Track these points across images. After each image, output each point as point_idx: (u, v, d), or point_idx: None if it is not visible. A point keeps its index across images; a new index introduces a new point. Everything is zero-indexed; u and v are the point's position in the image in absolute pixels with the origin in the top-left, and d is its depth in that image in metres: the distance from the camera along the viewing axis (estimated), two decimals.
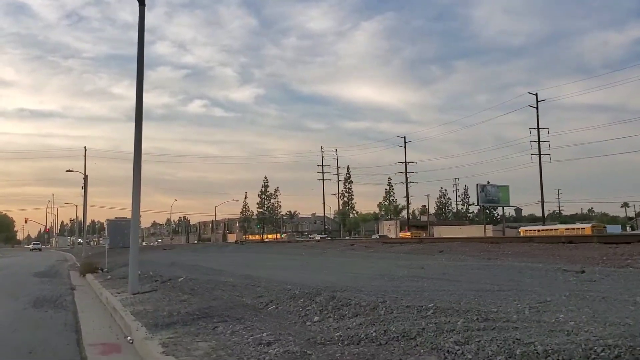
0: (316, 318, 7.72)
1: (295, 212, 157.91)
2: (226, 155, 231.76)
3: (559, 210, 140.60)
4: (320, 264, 17.47)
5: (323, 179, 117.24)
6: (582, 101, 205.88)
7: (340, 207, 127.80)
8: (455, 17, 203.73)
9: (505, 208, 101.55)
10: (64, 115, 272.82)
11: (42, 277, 25.56)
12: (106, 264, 27.60)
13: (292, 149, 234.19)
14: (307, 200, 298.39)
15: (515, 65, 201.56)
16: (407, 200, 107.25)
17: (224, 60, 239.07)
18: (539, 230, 60.66)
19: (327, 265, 16.87)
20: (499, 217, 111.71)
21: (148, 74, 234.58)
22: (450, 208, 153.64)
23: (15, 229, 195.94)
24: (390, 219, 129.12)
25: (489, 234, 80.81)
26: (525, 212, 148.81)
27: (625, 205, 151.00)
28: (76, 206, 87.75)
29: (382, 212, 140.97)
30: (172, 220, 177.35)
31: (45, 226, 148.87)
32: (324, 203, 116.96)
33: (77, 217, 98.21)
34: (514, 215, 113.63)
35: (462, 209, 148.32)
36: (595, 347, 4.63)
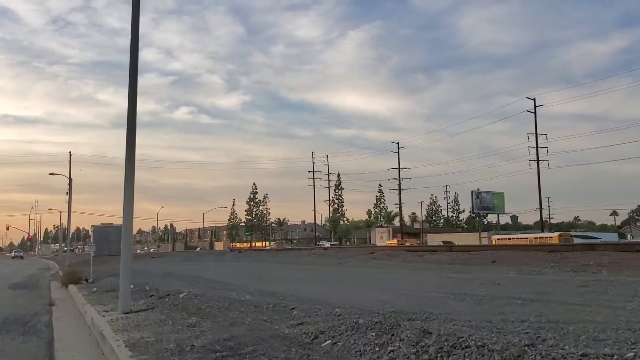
0: None
1: (284, 219, 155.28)
2: (213, 162, 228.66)
3: (549, 218, 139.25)
4: (349, 277, 14.80)
5: (314, 185, 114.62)
6: (567, 110, 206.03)
7: (331, 214, 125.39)
8: (441, 27, 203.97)
9: (500, 215, 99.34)
10: (48, 122, 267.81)
11: (18, 289, 22.72)
12: (91, 273, 24.84)
13: (279, 156, 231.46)
14: (295, 208, 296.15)
15: (501, 74, 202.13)
16: (400, 207, 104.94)
17: (210, 67, 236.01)
18: (509, 239, 60.59)
19: (359, 278, 14.21)
20: (494, 224, 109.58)
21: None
22: (440, 215, 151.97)
23: None
24: (381, 226, 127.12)
25: (484, 241, 78.77)
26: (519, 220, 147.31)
27: (614, 213, 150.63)
28: (60, 212, 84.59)
29: (373, 219, 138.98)
30: (159, 227, 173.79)
31: (28, 233, 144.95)
32: (314, 210, 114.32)
33: (61, 224, 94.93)
34: (510, 222, 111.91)
35: (452, 216, 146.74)
36: None
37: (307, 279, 14.89)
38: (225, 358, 6.10)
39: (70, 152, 59.12)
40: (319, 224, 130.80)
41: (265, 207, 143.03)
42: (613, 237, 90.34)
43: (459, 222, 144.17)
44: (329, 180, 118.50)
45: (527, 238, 62.45)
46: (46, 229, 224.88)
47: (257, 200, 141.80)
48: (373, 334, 6.08)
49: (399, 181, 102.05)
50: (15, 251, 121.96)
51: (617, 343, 5.46)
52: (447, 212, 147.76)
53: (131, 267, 12.82)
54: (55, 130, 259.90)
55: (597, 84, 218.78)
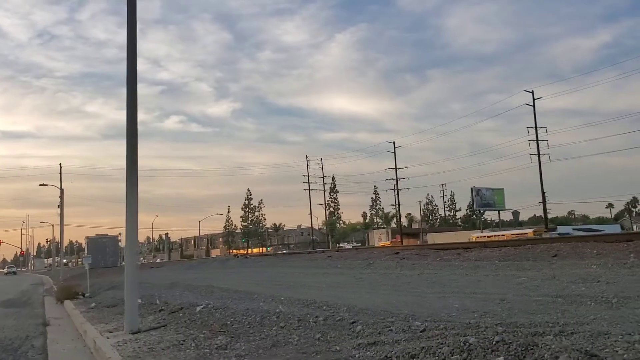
0: None
1: (280, 224, 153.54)
2: (205, 170, 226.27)
3: (545, 213, 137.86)
4: (388, 280, 12.94)
5: (309, 189, 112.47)
6: (555, 105, 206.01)
7: (327, 218, 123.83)
8: (428, 27, 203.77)
9: (501, 212, 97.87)
10: (37, 136, 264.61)
11: (9, 307, 20.78)
12: (88, 287, 22.93)
13: (271, 162, 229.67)
14: (291, 213, 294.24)
15: (488, 73, 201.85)
16: (398, 207, 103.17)
17: (199, 76, 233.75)
18: (488, 237, 60.54)
19: (403, 281, 12.36)
20: (495, 221, 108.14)
21: (122, 92, 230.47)
22: (437, 215, 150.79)
23: None
24: (378, 227, 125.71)
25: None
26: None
27: (610, 205, 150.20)
28: (52, 225, 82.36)
29: (369, 221, 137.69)
30: (153, 237, 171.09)
31: (21, 248, 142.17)
32: (310, 214, 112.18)
33: (53, 237, 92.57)
34: (512, 219, 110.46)
35: (449, 215, 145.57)
36: None
37: (338, 284, 13.07)
38: None
39: (60, 164, 57.16)
40: (316, 227, 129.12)
41: (260, 213, 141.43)
42: (616, 229, 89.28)
43: (456, 221, 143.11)
44: (324, 184, 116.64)
45: (504, 235, 62.41)
46: (39, 244, 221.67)
47: (252, 206, 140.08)
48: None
49: (396, 181, 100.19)
50: (7, 267, 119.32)
51: None
52: (444, 211, 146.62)
53: (138, 280, 11.00)
54: (45, 144, 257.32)
55: (584, 79, 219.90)
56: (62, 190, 51.81)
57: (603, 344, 4.65)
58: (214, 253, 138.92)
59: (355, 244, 61.67)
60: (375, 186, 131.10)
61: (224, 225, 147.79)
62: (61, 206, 49.36)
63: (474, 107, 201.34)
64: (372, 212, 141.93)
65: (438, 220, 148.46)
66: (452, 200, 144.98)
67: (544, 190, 69.81)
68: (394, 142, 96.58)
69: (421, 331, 5.86)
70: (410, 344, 5.28)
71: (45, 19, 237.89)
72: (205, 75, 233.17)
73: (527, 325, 5.50)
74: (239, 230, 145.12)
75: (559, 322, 5.66)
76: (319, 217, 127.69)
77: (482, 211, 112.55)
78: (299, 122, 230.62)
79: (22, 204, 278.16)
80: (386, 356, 5.12)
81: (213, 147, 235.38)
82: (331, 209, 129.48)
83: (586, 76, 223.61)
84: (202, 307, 10.79)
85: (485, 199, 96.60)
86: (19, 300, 24.82)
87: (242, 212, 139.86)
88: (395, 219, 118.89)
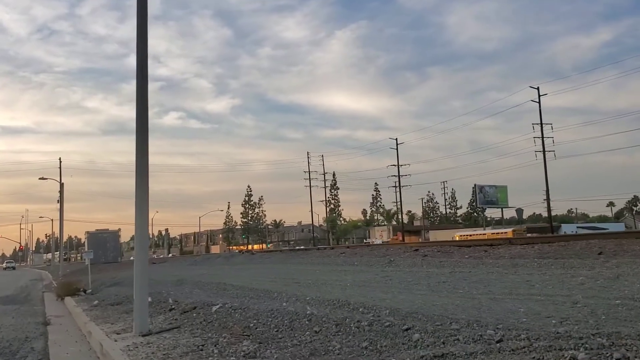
0: None
1: (280, 221, 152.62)
2: (204, 167, 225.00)
3: (549, 211, 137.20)
4: (419, 279, 11.91)
5: (310, 186, 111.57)
6: (554, 104, 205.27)
7: (328, 214, 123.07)
8: (428, 25, 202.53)
9: (504, 209, 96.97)
10: (36, 131, 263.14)
11: (8, 303, 19.85)
12: (89, 283, 22.02)
13: (271, 158, 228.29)
14: (291, 210, 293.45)
15: (488, 70, 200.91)
16: (400, 204, 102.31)
17: (198, 72, 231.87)
18: (470, 235, 60.64)
19: (437, 281, 11.35)
20: (497, 218, 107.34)
21: (122, 87, 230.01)
22: (438, 212, 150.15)
23: None
24: (378, 225, 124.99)
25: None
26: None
27: (611, 204, 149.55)
28: (52, 220, 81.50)
29: (369, 218, 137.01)
30: (153, 233, 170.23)
31: (20, 243, 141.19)
32: (311, 210, 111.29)
33: (52, 233, 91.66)
34: (514, 216, 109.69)
35: (450, 212, 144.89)
36: None
37: (363, 282, 12.11)
38: None
39: (60, 158, 56.13)
40: (316, 224, 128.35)
41: (260, 209, 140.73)
42: (620, 228, 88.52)
43: (457, 219, 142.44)
44: (324, 180, 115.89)
45: (485, 234, 62.35)
46: (38, 239, 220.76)
47: (252, 202, 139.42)
48: None
49: (399, 178, 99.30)
50: (6, 262, 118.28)
51: None
52: (445, 208, 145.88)
53: (148, 276, 10.07)
54: (44, 139, 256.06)
55: (584, 77, 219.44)
56: (61, 184, 50.88)
57: None
58: (214, 249, 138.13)
59: (385, 241, 60.94)
60: (376, 183, 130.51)
61: (224, 221, 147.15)
62: (61, 200, 48.43)
63: (474, 105, 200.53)
64: (373, 209, 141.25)
65: (438, 217, 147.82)
66: (453, 197, 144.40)
67: (543, 189, 68.98)
68: (396, 139, 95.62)
69: (497, 341, 4.93)
70: (491, 359, 4.35)
71: (45, 13, 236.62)
72: (205, 72, 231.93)
73: (636, 337, 4.56)
74: (239, 227, 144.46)
75: None
76: (320, 214, 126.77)
77: (484, 209, 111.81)
78: (298, 119, 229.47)
79: (21, 199, 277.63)
80: None
81: (212, 144, 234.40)
82: (332, 205, 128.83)
83: (586, 74, 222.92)
84: (218, 306, 9.86)
85: (489, 196, 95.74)
86: (18, 296, 23.90)
87: (242, 208, 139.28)
88: (396, 216, 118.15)
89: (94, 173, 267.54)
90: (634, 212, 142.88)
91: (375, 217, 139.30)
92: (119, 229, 62.28)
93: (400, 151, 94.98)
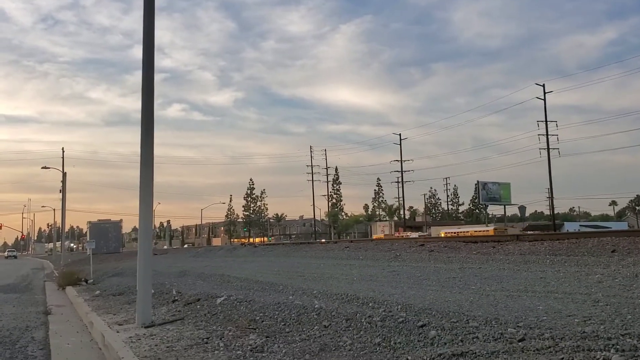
0: None
1: (282, 214, 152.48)
2: (206, 159, 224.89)
3: (552, 209, 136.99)
4: (427, 274, 11.63)
5: (312, 180, 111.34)
6: (557, 102, 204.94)
7: (330, 209, 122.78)
8: (433, 21, 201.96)
9: (507, 207, 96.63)
10: (40, 121, 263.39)
11: (9, 292, 19.67)
12: (91, 273, 21.85)
13: (274, 152, 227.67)
14: (292, 204, 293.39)
15: (492, 67, 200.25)
16: (403, 200, 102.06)
17: (202, 64, 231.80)
18: (456, 233, 60.59)
19: (447, 276, 11.10)
20: (497, 215, 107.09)
21: (125, 78, 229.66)
22: (440, 208, 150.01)
23: None
24: (381, 220, 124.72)
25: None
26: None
27: (614, 203, 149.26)
28: (54, 210, 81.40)
29: (370, 213, 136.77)
30: (155, 224, 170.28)
31: (22, 232, 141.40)
32: (313, 205, 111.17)
33: (54, 222, 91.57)
34: (516, 214, 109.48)
35: (452, 209, 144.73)
36: None
37: (370, 277, 11.87)
38: None
39: (62, 148, 55.91)
40: (317, 219, 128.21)
41: (262, 202, 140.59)
42: (622, 226, 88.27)
43: (459, 215, 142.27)
44: (327, 175, 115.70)
45: (468, 232, 62.50)
46: (40, 228, 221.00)
47: (254, 196, 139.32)
48: None
49: (402, 174, 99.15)
50: (8, 251, 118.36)
51: None
52: (448, 205, 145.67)
53: (151, 267, 9.87)
54: (47, 129, 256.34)
55: (588, 76, 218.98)
56: (64, 173, 50.72)
57: None
58: (215, 241, 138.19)
59: (422, 234, 60.95)
60: (378, 178, 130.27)
61: (225, 214, 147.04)
62: (63, 189, 48.27)
63: (477, 101, 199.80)
64: (375, 204, 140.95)
65: (440, 214, 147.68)
66: (455, 194, 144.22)
67: (546, 187, 68.65)
68: (400, 135, 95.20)
69: (519, 340, 4.70)
70: (515, 358, 4.12)
71: (49, 3, 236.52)
72: (209, 64, 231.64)
73: None
74: (240, 220, 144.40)
75: None
76: (322, 209, 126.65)
77: (486, 205, 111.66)
78: (301, 113, 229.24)
79: (24, 188, 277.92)
80: None
81: (215, 136, 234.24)
82: (334, 200, 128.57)
83: (590, 73, 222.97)
84: (223, 298, 9.66)
85: (492, 193, 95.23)
86: (19, 285, 23.73)
87: (245, 201, 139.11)
88: (398, 212, 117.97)
89: (96, 164, 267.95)
90: (636, 211, 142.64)
91: (377, 213, 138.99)
92: (121, 220, 62.21)
93: (403, 147, 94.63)
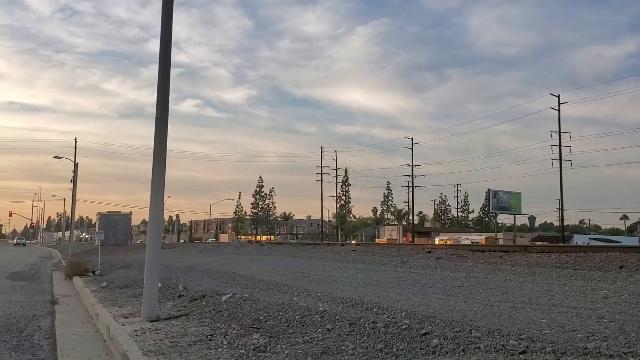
0: None
1: (290, 213, 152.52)
2: (217, 156, 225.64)
3: (562, 221, 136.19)
4: (433, 282, 11.68)
5: (322, 181, 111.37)
6: (572, 113, 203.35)
7: (338, 210, 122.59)
8: (450, 26, 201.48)
9: (517, 216, 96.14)
10: (54, 110, 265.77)
11: (17, 279, 19.87)
12: (99, 264, 22.01)
13: (283, 151, 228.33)
14: (300, 204, 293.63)
15: (508, 76, 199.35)
16: (413, 204, 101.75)
17: (218, 61, 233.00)
18: (449, 241, 60.84)
19: (453, 284, 11.09)
20: (507, 225, 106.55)
21: (140, 72, 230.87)
22: (449, 215, 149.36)
23: (0, 222, 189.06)
24: (389, 224, 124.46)
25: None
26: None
27: (625, 217, 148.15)
28: (64, 199, 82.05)
29: (379, 216, 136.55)
30: (164, 218, 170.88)
31: (31, 220, 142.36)
32: (322, 205, 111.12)
33: (64, 212, 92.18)
34: (525, 223, 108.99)
35: (461, 216, 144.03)
36: None
37: (376, 282, 11.88)
38: None
39: (75, 138, 56.28)
40: (325, 219, 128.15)
41: (271, 201, 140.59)
42: (633, 242, 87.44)
43: (468, 222, 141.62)
44: (337, 176, 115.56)
45: (460, 239, 62.56)
46: (49, 217, 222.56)
47: (263, 193, 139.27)
48: None
49: (412, 179, 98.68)
50: (17, 238, 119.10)
51: None
52: (457, 211, 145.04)
53: (159, 261, 9.95)
54: (61, 119, 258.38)
55: (604, 88, 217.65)
56: (76, 164, 51.08)
57: None
58: (223, 238, 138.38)
59: (474, 240, 61.75)
60: (388, 182, 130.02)
61: (234, 210, 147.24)
62: (74, 179, 48.61)
63: (491, 109, 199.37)
64: (384, 207, 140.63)
65: (450, 220, 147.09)
66: (466, 201, 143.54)
67: (557, 199, 68.22)
68: (412, 139, 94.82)
69: (520, 353, 4.71)
70: None
71: None
72: (224, 61, 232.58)
73: None
74: (248, 217, 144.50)
75: None
76: (330, 210, 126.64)
77: (496, 214, 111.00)
78: (313, 113, 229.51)
79: (35, 177, 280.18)
80: None
81: (227, 133, 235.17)
82: (342, 201, 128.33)
83: (607, 85, 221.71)
84: (228, 296, 9.71)
85: (502, 202, 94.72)
86: (27, 273, 23.94)
87: (253, 199, 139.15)
88: (406, 217, 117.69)
89: (108, 155, 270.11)
90: None
91: (386, 216, 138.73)
92: (131, 212, 62.45)
93: (414, 151, 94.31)
